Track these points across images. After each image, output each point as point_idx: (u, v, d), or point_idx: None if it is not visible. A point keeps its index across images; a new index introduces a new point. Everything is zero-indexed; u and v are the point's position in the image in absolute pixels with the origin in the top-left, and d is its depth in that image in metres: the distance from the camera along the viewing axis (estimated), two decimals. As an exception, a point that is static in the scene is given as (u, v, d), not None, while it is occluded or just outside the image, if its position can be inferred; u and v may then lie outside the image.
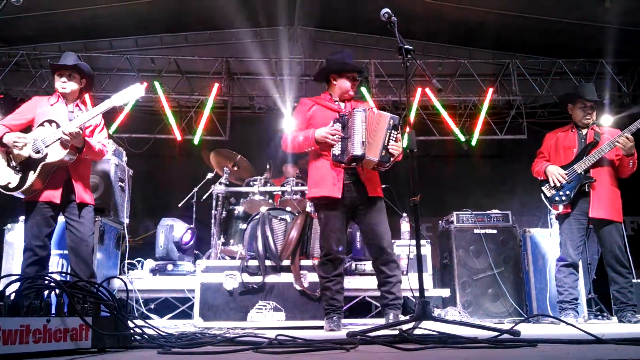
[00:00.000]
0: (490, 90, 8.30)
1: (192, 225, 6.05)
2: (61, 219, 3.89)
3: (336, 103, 4.01)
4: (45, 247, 3.73)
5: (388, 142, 3.65)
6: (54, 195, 3.72)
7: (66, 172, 3.79)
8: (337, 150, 3.74)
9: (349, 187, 3.80)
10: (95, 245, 4.41)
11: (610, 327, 4.08)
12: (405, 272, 5.30)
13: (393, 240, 5.60)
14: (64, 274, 4.25)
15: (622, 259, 4.36)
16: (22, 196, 3.70)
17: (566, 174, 4.43)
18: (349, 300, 5.20)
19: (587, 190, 4.39)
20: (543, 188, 4.58)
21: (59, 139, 3.64)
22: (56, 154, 3.67)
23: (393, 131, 3.66)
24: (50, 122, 3.71)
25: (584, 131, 4.57)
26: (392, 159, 3.71)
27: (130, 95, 3.81)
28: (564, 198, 4.44)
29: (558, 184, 4.44)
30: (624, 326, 4.10)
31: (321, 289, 3.96)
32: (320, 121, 3.89)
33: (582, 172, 4.39)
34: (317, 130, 3.80)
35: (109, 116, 7.11)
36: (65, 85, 3.91)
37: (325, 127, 3.78)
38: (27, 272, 3.61)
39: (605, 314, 5.19)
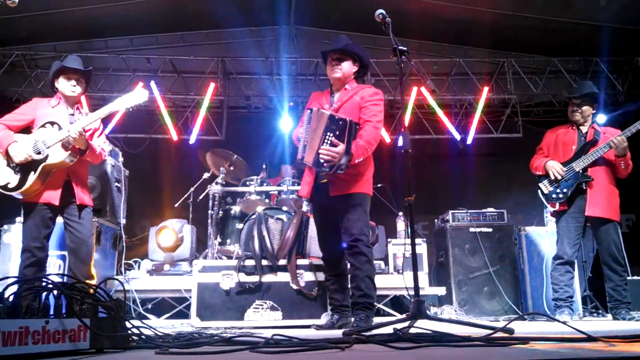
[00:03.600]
0: (486, 89, 8.33)
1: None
2: (59, 220, 3.90)
3: (332, 95, 3.77)
4: (43, 249, 3.74)
5: (321, 145, 3.35)
6: (53, 197, 3.72)
7: (65, 173, 3.80)
8: (299, 152, 3.58)
9: (317, 188, 3.66)
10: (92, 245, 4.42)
11: (604, 324, 4.12)
12: (400, 271, 5.34)
13: (389, 239, 5.69)
14: (62, 276, 4.27)
15: (618, 257, 4.40)
16: (20, 197, 3.70)
17: (565, 171, 4.46)
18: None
19: (584, 188, 4.42)
20: (540, 184, 4.59)
21: (62, 139, 3.64)
22: (57, 155, 3.68)
23: (329, 133, 3.33)
24: (52, 123, 3.71)
25: (585, 129, 4.58)
26: (326, 164, 3.34)
27: (134, 99, 3.82)
28: (560, 196, 4.47)
29: (559, 177, 4.45)
30: (619, 323, 4.13)
31: None
32: None
33: (580, 171, 4.42)
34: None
35: (105, 117, 7.09)
36: (74, 89, 3.93)
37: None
38: (25, 273, 3.63)
39: (600, 311, 5.22)
